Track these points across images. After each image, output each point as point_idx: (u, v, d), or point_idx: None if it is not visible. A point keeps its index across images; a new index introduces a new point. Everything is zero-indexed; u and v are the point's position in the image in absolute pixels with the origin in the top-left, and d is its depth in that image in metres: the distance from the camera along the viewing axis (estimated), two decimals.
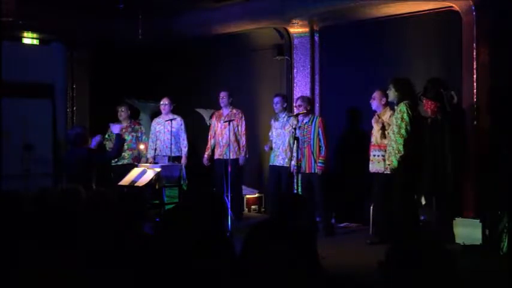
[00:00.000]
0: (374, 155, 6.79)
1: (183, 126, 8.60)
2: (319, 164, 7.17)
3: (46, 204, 3.93)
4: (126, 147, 8.37)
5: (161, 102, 8.62)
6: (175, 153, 8.46)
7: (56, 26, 9.18)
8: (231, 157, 7.96)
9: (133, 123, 8.68)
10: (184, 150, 8.55)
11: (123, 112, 8.53)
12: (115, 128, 7.14)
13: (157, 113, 9.30)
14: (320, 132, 7.23)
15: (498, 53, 6.67)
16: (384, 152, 6.60)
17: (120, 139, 6.91)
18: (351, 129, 8.10)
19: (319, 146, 7.22)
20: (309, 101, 7.49)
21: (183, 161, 8.42)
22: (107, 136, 8.47)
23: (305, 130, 7.30)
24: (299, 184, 7.37)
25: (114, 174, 8.36)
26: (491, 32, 6.71)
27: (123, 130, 8.11)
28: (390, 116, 6.65)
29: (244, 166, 8.43)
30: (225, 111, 8.35)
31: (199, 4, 8.95)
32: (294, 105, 7.80)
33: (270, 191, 8.09)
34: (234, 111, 8.32)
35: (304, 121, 7.34)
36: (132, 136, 8.53)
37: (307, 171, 7.25)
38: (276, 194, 7.77)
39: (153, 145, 8.69)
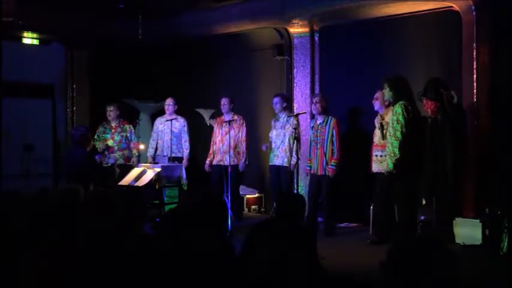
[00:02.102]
0: (376, 155, 6.78)
1: (186, 128, 8.59)
2: (330, 167, 7.09)
3: (46, 204, 3.93)
4: (116, 147, 8.39)
5: (165, 103, 8.63)
6: (176, 153, 8.46)
7: (56, 26, 9.18)
8: (231, 163, 7.94)
9: (123, 122, 8.59)
10: (186, 152, 8.55)
11: (112, 112, 8.49)
12: (111, 160, 7.38)
13: (158, 113, 9.30)
14: (334, 134, 7.11)
15: (498, 53, 6.67)
16: (385, 152, 6.59)
17: (114, 167, 7.17)
18: (351, 129, 8.09)
19: (332, 149, 7.13)
20: (325, 100, 7.34)
21: (184, 162, 8.43)
22: (96, 137, 8.44)
23: (319, 131, 7.21)
24: (299, 184, 7.37)
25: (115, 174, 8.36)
26: (491, 32, 6.71)
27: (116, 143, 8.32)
28: None
29: (243, 171, 8.41)
30: (226, 117, 8.32)
31: (199, 4, 8.96)
32: (311, 102, 7.66)
33: (271, 190, 8.10)
34: (236, 117, 8.28)
35: (318, 121, 7.25)
36: (122, 136, 8.47)
37: (318, 173, 7.19)
38: (276, 193, 7.78)
39: (154, 143, 8.70)
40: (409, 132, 6.22)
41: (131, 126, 8.68)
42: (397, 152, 6.18)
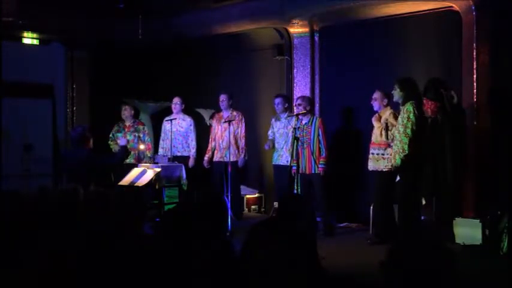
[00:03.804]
0: (373, 153, 6.78)
1: (192, 127, 8.63)
2: (320, 166, 7.16)
3: (46, 204, 3.93)
4: (128, 146, 8.40)
5: (173, 102, 8.67)
6: (182, 153, 8.48)
7: (56, 26, 9.18)
8: (231, 159, 7.96)
9: (137, 123, 8.66)
10: (193, 151, 8.58)
11: (126, 111, 8.54)
12: (122, 141, 7.26)
13: (158, 113, 9.30)
14: (320, 133, 7.22)
15: (498, 53, 6.67)
16: (384, 151, 6.60)
17: (124, 150, 7.04)
18: (351, 129, 8.10)
19: (319, 148, 7.21)
20: (309, 101, 7.48)
21: (191, 162, 8.45)
22: (111, 136, 8.49)
23: (305, 131, 7.29)
24: (299, 184, 7.37)
25: (115, 174, 8.36)
26: (491, 32, 6.71)
27: (129, 142, 8.25)
28: (390, 114, 6.67)
29: (244, 167, 8.44)
30: (225, 113, 8.35)
31: (199, 4, 8.95)
32: (294, 104, 7.80)
33: (276, 190, 8.13)
34: (234, 113, 8.32)
35: (304, 122, 7.34)
36: (134, 136, 8.51)
37: (307, 172, 7.25)
38: (280, 193, 7.80)
39: (163, 143, 8.73)
40: (417, 131, 6.23)
41: (145, 127, 8.72)
42: (406, 149, 6.18)
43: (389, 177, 6.54)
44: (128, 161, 8.39)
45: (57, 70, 9.75)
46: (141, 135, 8.57)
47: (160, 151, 8.70)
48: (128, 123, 8.55)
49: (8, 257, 2.96)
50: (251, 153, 8.56)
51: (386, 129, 6.66)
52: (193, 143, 8.60)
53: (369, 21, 7.98)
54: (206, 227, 2.95)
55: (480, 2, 6.69)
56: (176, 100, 8.64)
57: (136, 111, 9.05)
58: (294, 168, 7.32)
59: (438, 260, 1.80)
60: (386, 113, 6.74)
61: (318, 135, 7.22)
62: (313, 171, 7.22)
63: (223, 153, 8.23)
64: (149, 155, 8.54)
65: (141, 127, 8.63)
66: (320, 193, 7.21)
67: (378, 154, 6.71)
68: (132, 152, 8.46)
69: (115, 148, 8.36)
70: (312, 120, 7.30)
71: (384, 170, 6.60)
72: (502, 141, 6.43)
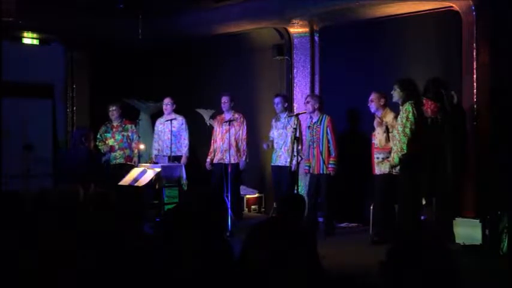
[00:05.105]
0: (377, 157, 6.76)
1: (184, 126, 8.60)
2: (330, 166, 7.10)
3: (46, 204, 3.93)
4: (117, 147, 8.39)
5: (164, 102, 8.64)
6: (175, 152, 8.47)
7: (56, 26, 9.19)
8: (232, 161, 7.95)
9: (124, 122, 8.57)
10: (185, 149, 8.56)
11: (114, 111, 8.47)
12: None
13: (158, 113, 9.30)
14: (329, 132, 7.13)
15: (498, 53, 6.67)
16: (388, 154, 6.58)
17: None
18: (351, 129, 8.09)
19: (328, 147, 7.16)
20: (318, 99, 7.35)
21: (183, 160, 8.44)
22: (98, 136, 8.44)
23: (314, 130, 7.24)
24: (299, 184, 7.36)
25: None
26: (491, 32, 6.71)
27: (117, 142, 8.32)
28: (394, 118, 6.62)
29: (244, 168, 8.43)
30: (227, 115, 8.33)
31: (199, 4, 8.96)
32: (303, 102, 7.70)
33: (274, 191, 8.11)
34: (236, 115, 8.30)
35: (314, 120, 7.27)
36: (123, 136, 8.46)
37: (315, 173, 7.21)
38: (279, 194, 7.78)
39: (156, 145, 8.73)
40: (416, 131, 6.23)
41: (133, 126, 8.68)
42: (404, 148, 6.18)
43: (390, 177, 6.53)
44: (118, 161, 8.40)
45: (57, 70, 9.76)
46: (130, 134, 8.52)
47: (154, 152, 8.68)
48: (115, 123, 8.51)
49: (8, 257, 2.97)
50: (251, 153, 8.56)
51: (388, 132, 6.65)
52: (185, 142, 8.59)
53: (369, 21, 7.98)
54: (206, 227, 2.96)
55: (480, 2, 6.69)
56: (167, 101, 8.61)
57: (125, 110, 8.91)
58: (306, 168, 7.31)
59: (438, 260, 1.80)
60: (389, 117, 6.71)
61: (327, 133, 7.16)
62: (321, 172, 7.16)
63: (223, 155, 8.22)
64: (137, 154, 8.51)
65: (128, 126, 8.57)
66: (326, 193, 7.15)
67: (383, 158, 6.69)
68: (122, 152, 8.44)
69: (103, 148, 8.35)
70: (321, 119, 7.22)
71: (388, 172, 6.58)
72: (502, 141, 6.43)
